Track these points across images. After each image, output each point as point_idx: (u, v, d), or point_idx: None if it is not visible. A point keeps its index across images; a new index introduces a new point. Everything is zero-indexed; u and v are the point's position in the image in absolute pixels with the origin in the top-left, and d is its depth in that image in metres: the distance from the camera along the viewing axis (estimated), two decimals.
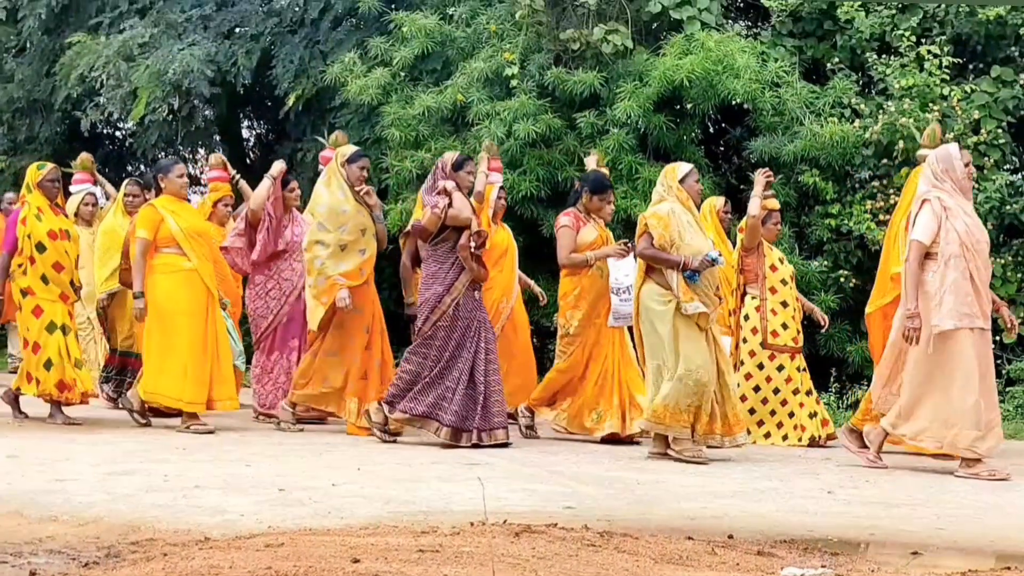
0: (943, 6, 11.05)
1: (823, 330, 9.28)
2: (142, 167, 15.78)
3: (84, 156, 10.50)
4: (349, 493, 5.81)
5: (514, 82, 11.06)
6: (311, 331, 8.38)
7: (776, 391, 8.53)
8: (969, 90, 10.77)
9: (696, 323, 7.29)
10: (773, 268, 8.67)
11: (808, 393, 8.62)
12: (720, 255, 7.34)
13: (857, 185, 10.84)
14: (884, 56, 10.96)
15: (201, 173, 15.74)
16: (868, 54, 11.05)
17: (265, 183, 8.76)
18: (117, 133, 16.20)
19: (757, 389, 8.52)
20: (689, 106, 10.99)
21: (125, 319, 9.31)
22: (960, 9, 10.99)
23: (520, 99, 10.91)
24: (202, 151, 15.57)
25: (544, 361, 9.84)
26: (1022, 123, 11.01)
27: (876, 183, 10.75)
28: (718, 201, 8.96)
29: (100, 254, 9.45)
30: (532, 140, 10.74)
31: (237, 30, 13.48)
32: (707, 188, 10.84)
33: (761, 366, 8.54)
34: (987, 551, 5.09)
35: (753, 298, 8.61)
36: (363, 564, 4.04)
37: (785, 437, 8.50)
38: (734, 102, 10.88)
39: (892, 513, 5.87)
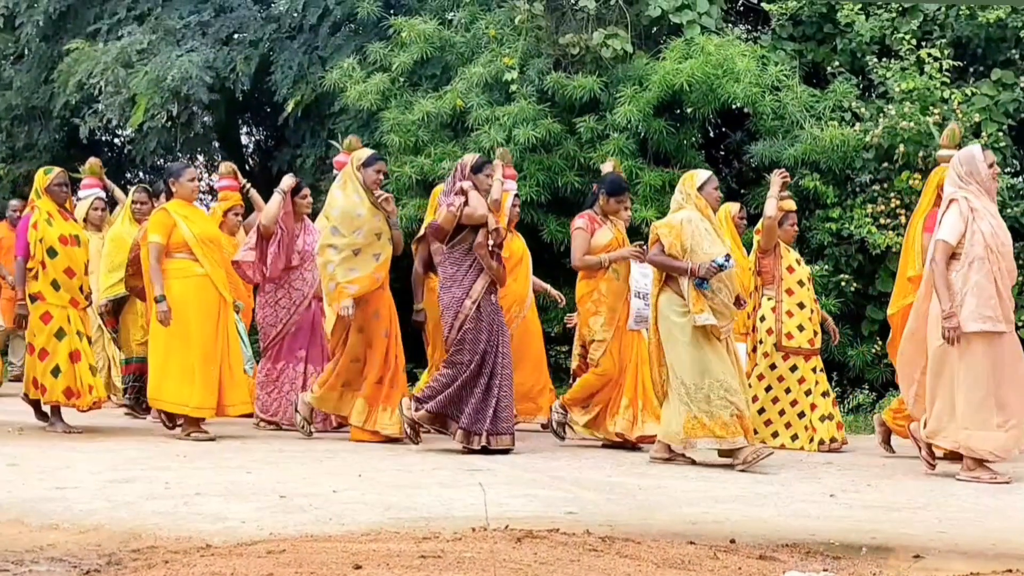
0: (943, 9, 11.06)
1: (833, 343, 9.25)
2: (141, 174, 15.79)
3: (93, 161, 10.49)
4: (350, 499, 5.80)
5: (514, 87, 11.06)
6: (330, 338, 8.36)
7: (788, 391, 8.50)
8: (969, 93, 10.78)
9: (712, 331, 7.28)
10: (790, 269, 8.64)
11: (824, 395, 8.56)
12: (729, 259, 7.29)
13: (858, 189, 10.83)
14: (884, 59, 10.96)
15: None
16: (868, 57, 11.06)
17: (276, 198, 8.71)
18: (116, 140, 16.18)
19: (768, 389, 8.49)
20: (689, 110, 10.99)
21: (137, 326, 9.31)
22: (960, 12, 10.99)
23: (520, 104, 10.91)
24: (201, 158, 15.57)
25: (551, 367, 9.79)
26: (1022, 126, 11.01)
27: (877, 187, 10.74)
28: (733, 207, 8.92)
29: (107, 261, 9.43)
30: (532, 145, 10.74)
31: (235, 36, 13.46)
32: None
33: (773, 366, 8.51)
34: (989, 554, 5.09)
35: (769, 299, 8.58)
36: (365, 570, 4.04)
37: (795, 437, 8.47)
38: (734, 106, 10.88)
39: (894, 517, 5.86)
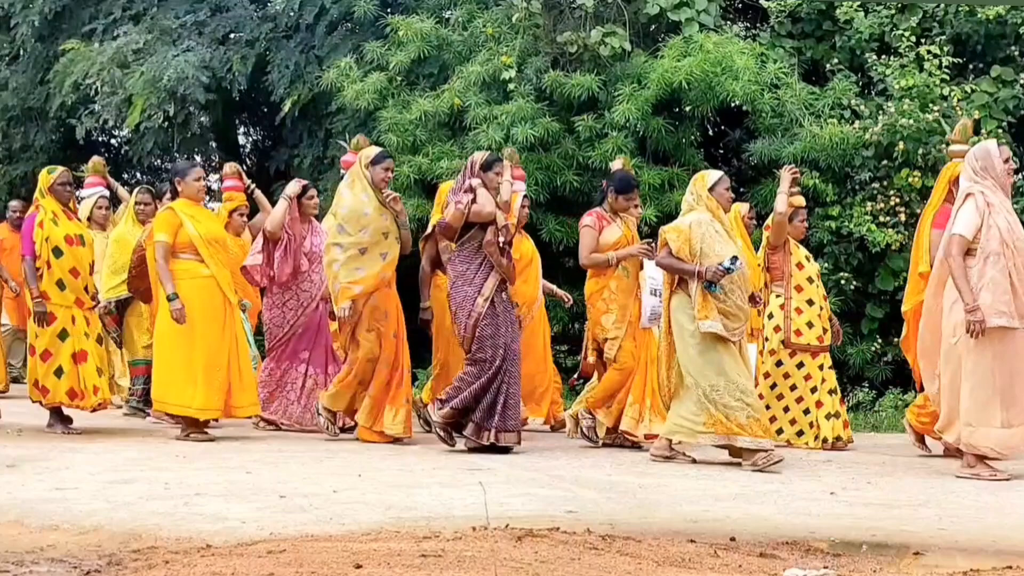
0: (942, 5, 11.05)
1: (836, 343, 9.23)
2: (138, 175, 15.75)
3: (96, 160, 10.47)
4: (350, 499, 5.79)
5: (511, 86, 11.05)
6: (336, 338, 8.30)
7: (793, 388, 8.47)
8: (969, 90, 10.78)
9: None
10: (799, 266, 8.61)
11: (831, 392, 8.52)
12: (736, 261, 7.23)
13: (857, 187, 10.83)
14: (883, 56, 10.96)
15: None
16: (867, 55, 11.06)
17: (282, 204, 8.70)
18: (112, 140, 16.15)
19: (773, 387, 8.46)
20: (688, 108, 10.98)
21: (141, 329, 9.29)
22: (959, 9, 10.99)
23: (518, 103, 10.89)
24: (198, 158, 15.52)
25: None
26: (1022, 123, 11.02)
27: (876, 185, 10.74)
28: (743, 207, 8.88)
29: (110, 263, 9.40)
30: (530, 144, 10.72)
31: (232, 36, 13.45)
32: None
33: (780, 363, 8.49)
34: (989, 551, 5.10)
35: (778, 296, 8.54)
36: (365, 570, 4.03)
37: (800, 433, 8.44)
38: (733, 104, 10.87)
39: (894, 514, 5.87)
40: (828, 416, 8.47)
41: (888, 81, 10.75)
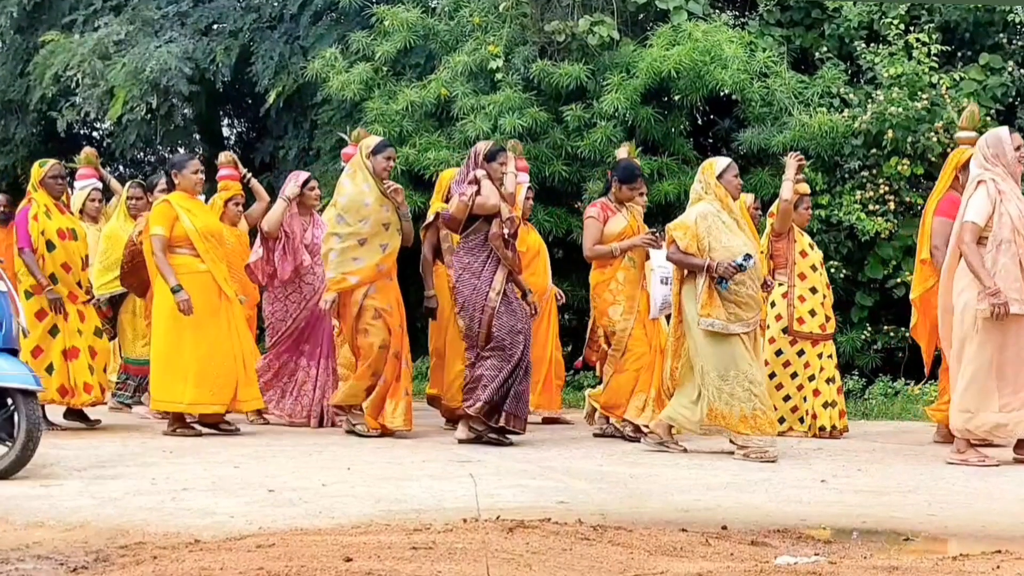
0: None
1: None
2: (121, 168, 15.65)
3: (88, 151, 10.39)
4: (339, 493, 5.77)
5: (499, 75, 11.00)
6: (338, 332, 8.27)
7: (794, 375, 8.45)
8: (958, 78, 10.78)
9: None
10: (803, 254, 8.60)
11: (829, 381, 8.51)
12: (749, 259, 7.18)
13: (847, 175, 10.81)
14: (872, 45, 10.95)
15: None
16: (856, 43, 11.04)
17: (280, 205, 8.65)
18: (94, 133, 16.04)
19: (772, 376, 8.40)
20: (677, 98, 10.95)
21: (134, 327, 9.24)
22: None
23: (505, 93, 10.84)
24: (182, 150, 15.46)
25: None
26: (1011, 110, 11.02)
27: (866, 173, 10.73)
28: (748, 197, 8.75)
29: (102, 259, 9.33)
30: (518, 134, 10.67)
31: (215, 26, 13.35)
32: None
33: (779, 352, 8.46)
34: (978, 536, 5.14)
35: (780, 284, 8.50)
36: (356, 563, 4.01)
37: (802, 420, 8.43)
38: (722, 93, 10.84)
39: (884, 501, 5.92)
40: (825, 405, 8.47)
41: (877, 69, 10.74)
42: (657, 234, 7.96)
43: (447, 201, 8.07)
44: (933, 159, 10.58)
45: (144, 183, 9.85)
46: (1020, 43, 11.29)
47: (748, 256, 7.19)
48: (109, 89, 12.76)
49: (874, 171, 10.70)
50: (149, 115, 12.94)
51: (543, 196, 10.86)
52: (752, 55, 10.86)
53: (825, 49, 11.22)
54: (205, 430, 8.03)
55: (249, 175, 9.42)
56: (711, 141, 12.17)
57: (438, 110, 11.28)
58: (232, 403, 7.99)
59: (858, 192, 10.65)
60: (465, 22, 11.56)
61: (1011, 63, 10.91)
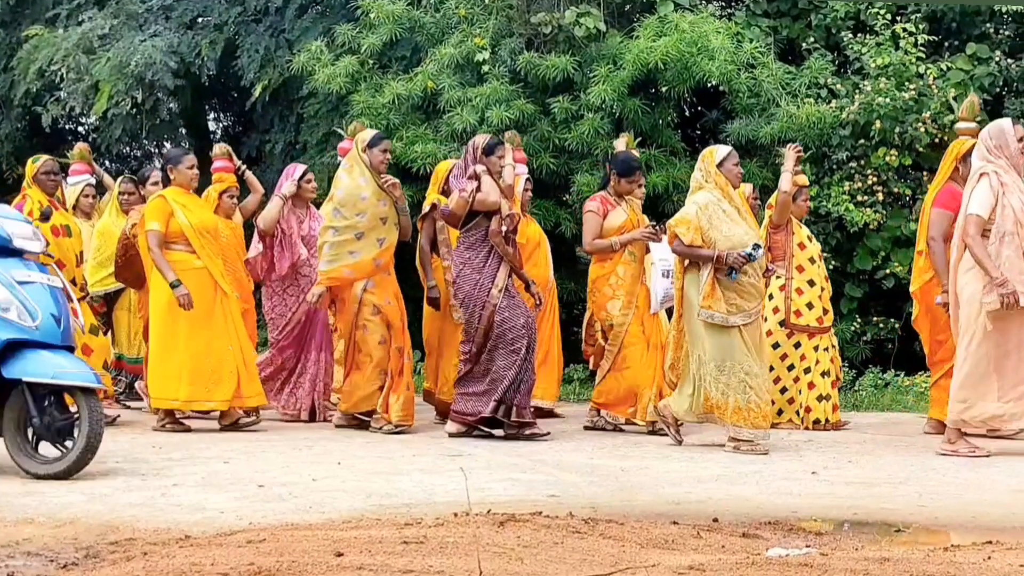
0: None
1: None
2: (107, 163, 15.55)
3: (81, 146, 10.33)
4: (330, 487, 5.76)
5: (485, 67, 10.98)
6: (336, 329, 8.24)
7: (791, 368, 8.43)
8: (945, 68, 10.78)
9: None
10: (802, 246, 8.57)
11: (824, 374, 8.48)
12: (758, 249, 7.15)
13: (835, 166, 10.82)
14: (859, 35, 10.95)
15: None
16: (843, 33, 11.05)
17: (276, 203, 8.63)
18: (80, 128, 15.97)
19: (771, 369, 8.32)
20: (664, 89, 10.94)
21: (125, 323, 9.19)
22: None
23: (492, 85, 10.82)
24: (168, 145, 15.40)
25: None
26: (998, 100, 11.03)
27: (853, 164, 10.74)
28: (747, 187, 8.73)
29: (96, 255, 9.27)
30: (505, 126, 10.65)
31: (200, 20, 13.29)
32: (684, 173, 10.80)
33: (776, 345, 8.43)
34: (969, 527, 5.16)
35: (778, 277, 8.46)
36: (347, 557, 4.00)
37: (809, 410, 8.40)
38: (709, 84, 10.83)
39: (874, 492, 5.92)
40: (820, 398, 8.46)
41: (864, 60, 10.74)
42: (657, 228, 7.94)
43: (444, 193, 8.06)
44: (921, 149, 10.60)
45: (135, 177, 9.81)
46: (1007, 32, 11.30)
47: (757, 246, 7.17)
48: (94, 84, 12.71)
49: (862, 162, 10.71)
50: (134, 109, 12.89)
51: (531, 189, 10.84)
52: (739, 46, 10.85)
53: (812, 40, 11.22)
54: (195, 425, 8.01)
55: (244, 167, 9.38)
56: (699, 132, 12.16)
57: (425, 103, 11.25)
58: (235, 399, 7.95)
59: (846, 183, 10.66)
60: (451, 14, 11.52)
61: (998, 52, 10.92)
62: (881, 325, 10.84)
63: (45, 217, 8.26)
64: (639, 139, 11.01)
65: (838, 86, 10.86)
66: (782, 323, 8.46)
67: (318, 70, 11.49)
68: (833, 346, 8.74)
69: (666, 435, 7.56)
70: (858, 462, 6.92)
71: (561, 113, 10.81)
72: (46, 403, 5.95)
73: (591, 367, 8.70)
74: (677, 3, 11.09)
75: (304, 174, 8.86)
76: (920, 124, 10.48)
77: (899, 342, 10.86)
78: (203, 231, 7.99)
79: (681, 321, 7.40)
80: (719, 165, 7.37)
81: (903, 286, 10.71)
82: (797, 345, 8.48)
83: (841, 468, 6.68)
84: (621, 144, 8.71)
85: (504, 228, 7.58)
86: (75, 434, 5.94)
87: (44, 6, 14.15)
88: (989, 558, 4.20)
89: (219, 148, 9.24)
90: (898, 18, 10.93)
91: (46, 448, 6.03)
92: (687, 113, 12.13)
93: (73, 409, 6.01)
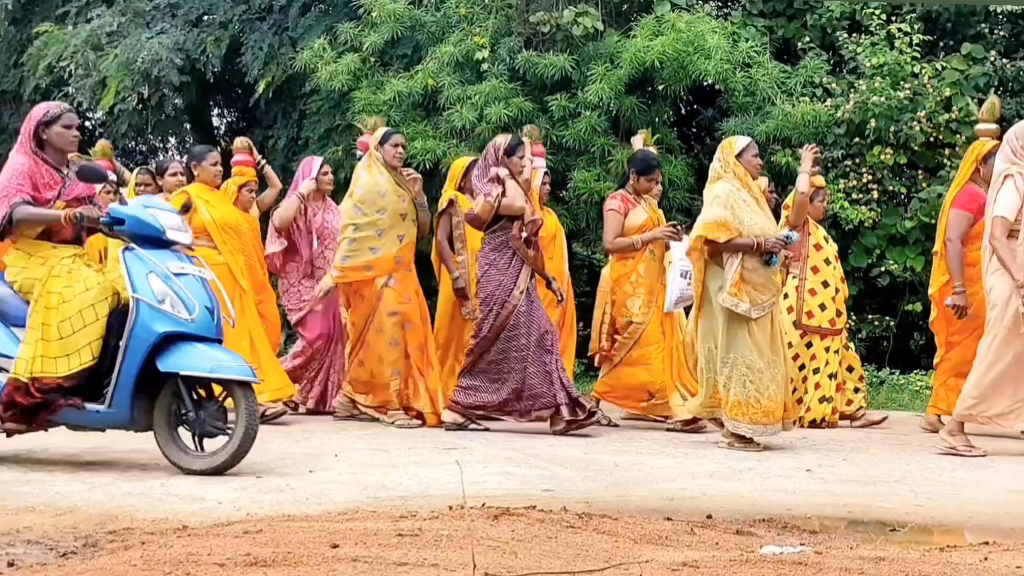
0: None
1: None
2: (113, 158, 15.64)
3: (103, 143, 10.37)
4: (326, 479, 5.79)
5: (485, 66, 11.03)
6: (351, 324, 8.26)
7: (801, 367, 8.41)
8: (940, 67, 10.82)
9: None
10: (817, 247, 8.53)
11: (831, 376, 8.47)
12: (793, 231, 7.11)
13: (830, 165, 10.86)
14: (854, 35, 10.99)
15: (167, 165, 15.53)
16: (838, 33, 11.09)
17: (294, 202, 8.65)
18: (87, 123, 16.04)
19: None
20: (660, 88, 10.99)
21: None
22: None
23: (491, 83, 10.87)
24: (173, 140, 15.45)
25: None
26: None
27: (849, 162, 10.78)
28: (762, 181, 8.74)
29: (113, 250, 9.27)
30: (504, 124, 10.70)
31: (205, 18, 13.39)
32: (680, 170, 10.85)
33: (789, 344, 8.41)
34: (964, 527, 5.13)
35: (794, 277, 8.41)
36: (342, 549, 4.02)
37: (808, 410, 8.41)
38: (705, 83, 10.88)
39: (869, 491, 5.89)
40: (822, 400, 8.45)
41: (859, 59, 10.78)
42: (679, 227, 7.95)
43: (461, 190, 8.12)
44: (916, 148, 10.65)
45: (152, 169, 9.83)
46: (1002, 32, 11.34)
47: (789, 234, 7.18)
48: (101, 79, 12.82)
49: (857, 160, 10.75)
50: (140, 105, 12.99)
51: None
52: (735, 45, 10.89)
53: (807, 39, 11.26)
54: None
55: (263, 162, 9.41)
56: (695, 131, 12.21)
57: (425, 100, 11.30)
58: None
59: (841, 181, 10.70)
60: (451, 13, 11.58)
61: (993, 52, 10.96)
62: (876, 323, 10.88)
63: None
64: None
65: (833, 85, 10.90)
66: (795, 323, 8.42)
67: (320, 67, 11.56)
68: (846, 347, 8.73)
69: (687, 432, 7.78)
70: (853, 460, 6.91)
71: (559, 111, 10.86)
72: (195, 397, 5.82)
73: (596, 364, 8.71)
74: (674, 3, 11.14)
75: (321, 167, 8.89)
76: (915, 123, 10.52)
77: (894, 340, 10.90)
78: (225, 227, 8.03)
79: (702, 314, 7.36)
80: (738, 156, 7.24)
81: (898, 284, 10.76)
82: (809, 345, 8.46)
83: (836, 466, 6.67)
84: (638, 142, 8.68)
85: (525, 234, 7.63)
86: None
87: (54, 3, 14.28)
88: (986, 559, 4.17)
89: (240, 142, 9.26)
90: (893, 18, 10.97)
91: (187, 440, 5.91)
92: (683, 111, 12.17)
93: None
